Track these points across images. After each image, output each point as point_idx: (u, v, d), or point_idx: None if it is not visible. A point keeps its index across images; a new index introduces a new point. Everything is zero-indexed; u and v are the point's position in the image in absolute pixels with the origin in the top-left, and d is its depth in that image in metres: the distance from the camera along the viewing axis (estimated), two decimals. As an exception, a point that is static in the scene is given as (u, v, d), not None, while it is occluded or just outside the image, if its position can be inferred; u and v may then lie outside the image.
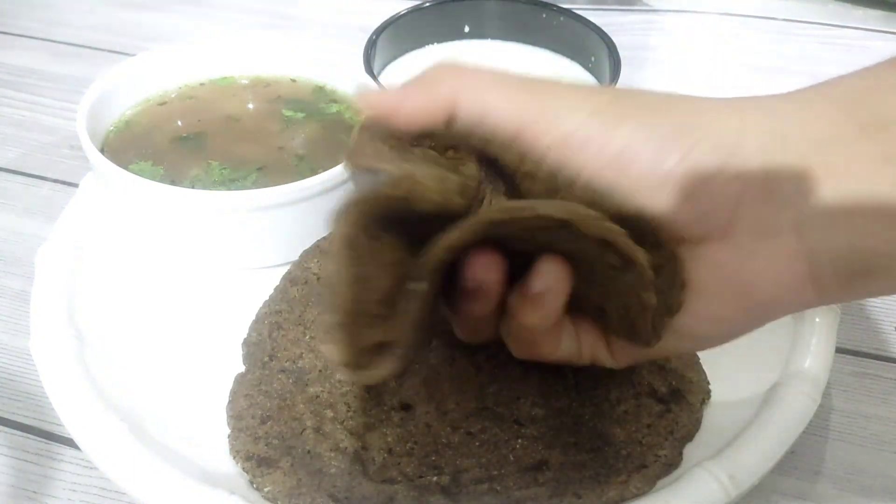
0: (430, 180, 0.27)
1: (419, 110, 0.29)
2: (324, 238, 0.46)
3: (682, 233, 0.28)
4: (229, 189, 0.47)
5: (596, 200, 0.27)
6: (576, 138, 0.27)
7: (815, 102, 0.27)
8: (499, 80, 0.30)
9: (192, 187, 0.47)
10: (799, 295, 0.28)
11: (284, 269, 0.46)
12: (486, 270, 0.29)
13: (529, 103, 0.28)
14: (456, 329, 0.34)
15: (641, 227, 0.27)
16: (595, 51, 0.59)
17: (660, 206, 0.27)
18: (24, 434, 0.41)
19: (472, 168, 0.29)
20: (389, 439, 0.37)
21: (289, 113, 0.53)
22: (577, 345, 0.32)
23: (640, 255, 0.27)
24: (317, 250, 0.46)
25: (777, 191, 0.26)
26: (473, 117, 0.29)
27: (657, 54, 0.73)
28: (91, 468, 0.39)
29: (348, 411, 0.39)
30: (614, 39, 0.58)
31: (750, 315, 0.29)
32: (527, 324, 0.30)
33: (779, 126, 0.27)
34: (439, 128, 0.29)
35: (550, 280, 0.28)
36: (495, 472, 0.36)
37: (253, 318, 0.43)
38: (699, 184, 0.26)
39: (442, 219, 0.28)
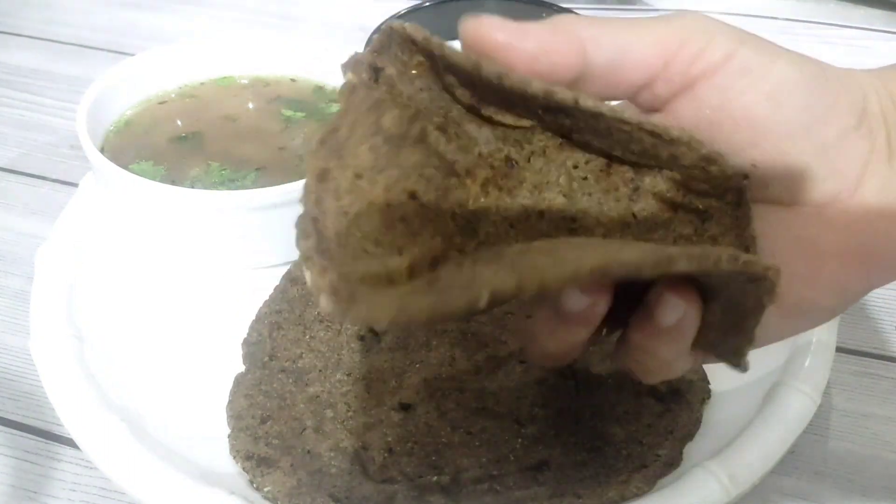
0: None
1: (547, 47, 0.25)
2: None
3: (813, 190, 0.26)
4: (229, 189, 0.47)
5: (657, 132, 0.24)
6: (735, 63, 0.25)
7: None
8: (629, 22, 0.26)
9: (192, 187, 0.47)
10: None
11: (284, 269, 0.46)
12: (596, 299, 0.25)
13: (671, 35, 0.25)
14: (531, 351, 0.28)
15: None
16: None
17: (799, 156, 0.25)
18: (24, 434, 0.41)
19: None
20: (389, 439, 0.37)
21: (288, 113, 0.53)
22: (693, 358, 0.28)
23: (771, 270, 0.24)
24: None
25: None
26: (610, 59, 0.25)
27: (657, 54, 0.73)
28: (91, 468, 0.39)
29: (348, 411, 0.39)
30: (614, 39, 0.58)
31: (869, 281, 0.27)
32: (661, 358, 0.26)
33: (890, 89, 0.26)
34: (560, 76, 0.25)
35: (681, 311, 0.25)
36: (495, 472, 0.36)
37: (253, 318, 0.43)
38: (839, 138, 0.25)
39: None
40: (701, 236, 0.26)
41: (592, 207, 0.27)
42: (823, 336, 0.40)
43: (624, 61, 0.25)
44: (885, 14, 0.78)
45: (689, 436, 0.37)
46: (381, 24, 0.59)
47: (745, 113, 0.25)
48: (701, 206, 0.26)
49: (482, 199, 0.27)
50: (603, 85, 0.25)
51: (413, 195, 0.25)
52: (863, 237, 0.26)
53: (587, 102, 0.24)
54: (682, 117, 0.26)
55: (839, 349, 0.41)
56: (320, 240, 0.23)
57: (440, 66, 0.26)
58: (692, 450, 0.37)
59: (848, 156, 0.26)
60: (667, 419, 0.38)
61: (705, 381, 0.40)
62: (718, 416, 0.39)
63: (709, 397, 0.39)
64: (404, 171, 0.25)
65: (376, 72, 0.26)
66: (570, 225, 0.27)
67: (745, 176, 0.25)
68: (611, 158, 0.27)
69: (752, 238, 0.26)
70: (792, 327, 0.29)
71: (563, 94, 0.24)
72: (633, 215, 0.26)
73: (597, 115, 0.24)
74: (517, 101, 0.25)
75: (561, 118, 0.25)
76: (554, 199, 0.27)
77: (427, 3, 0.62)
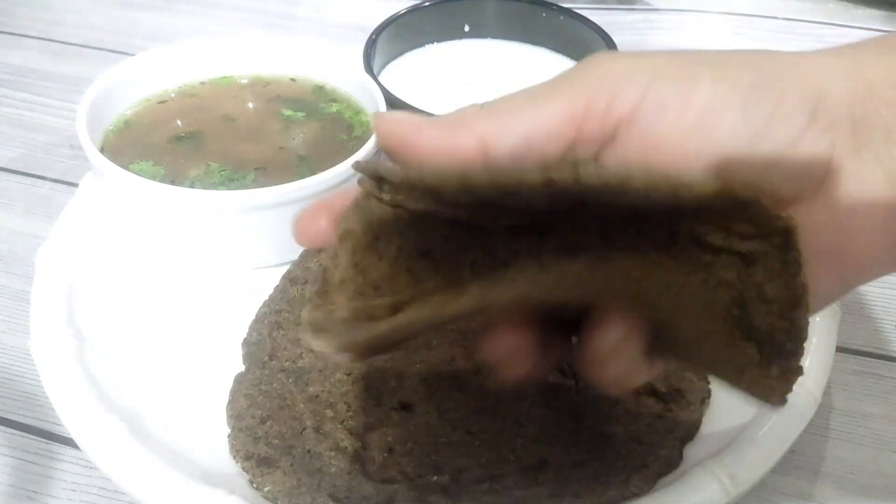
0: None
1: (444, 146, 0.24)
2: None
3: (772, 196, 0.24)
4: (229, 189, 0.47)
5: (668, 188, 0.22)
6: (647, 107, 0.24)
7: (894, 50, 0.25)
8: (527, 98, 0.25)
9: (192, 187, 0.47)
10: (892, 258, 0.25)
11: (284, 269, 0.46)
12: (511, 350, 0.24)
13: (575, 98, 0.24)
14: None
15: (738, 206, 0.23)
16: (595, 50, 0.59)
17: (752, 171, 0.24)
18: (24, 434, 0.41)
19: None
20: (389, 439, 0.37)
21: (288, 112, 0.53)
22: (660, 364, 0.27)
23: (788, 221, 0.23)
24: (317, 250, 0.46)
25: (867, 142, 0.24)
26: (516, 144, 0.24)
27: (657, 53, 0.73)
28: (91, 468, 0.39)
29: (348, 411, 0.39)
30: (615, 38, 0.58)
31: (841, 282, 0.26)
32: (611, 372, 0.25)
33: (862, 75, 0.25)
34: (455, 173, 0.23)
35: (619, 334, 0.23)
36: (495, 472, 0.36)
37: (253, 318, 0.43)
38: (793, 140, 0.24)
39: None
40: (745, 282, 0.24)
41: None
42: (823, 336, 0.40)
43: (532, 143, 0.24)
44: (885, 14, 0.78)
45: (689, 436, 0.37)
46: (381, 24, 0.59)
47: (675, 149, 0.24)
48: (744, 250, 0.24)
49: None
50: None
51: (426, 253, 0.26)
52: (830, 236, 0.25)
53: (589, 174, 0.22)
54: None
55: (839, 349, 0.41)
56: (323, 284, 0.25)
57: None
58: (692, 450, 0.37)
59: (805, 156, 0.24)
60: (667, 419, 0.38)
61: (705, 380, 0.40)
62: (718, 416, 0.38)
63: (709, 397, 0.39)
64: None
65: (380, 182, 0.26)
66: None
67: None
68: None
69: (802, 286, 0.24)
70: None
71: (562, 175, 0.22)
72: (671, 257, 0.24)
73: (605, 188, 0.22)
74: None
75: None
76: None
77: (427, 3, 0.62)
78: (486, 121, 0.25)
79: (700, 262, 0.24)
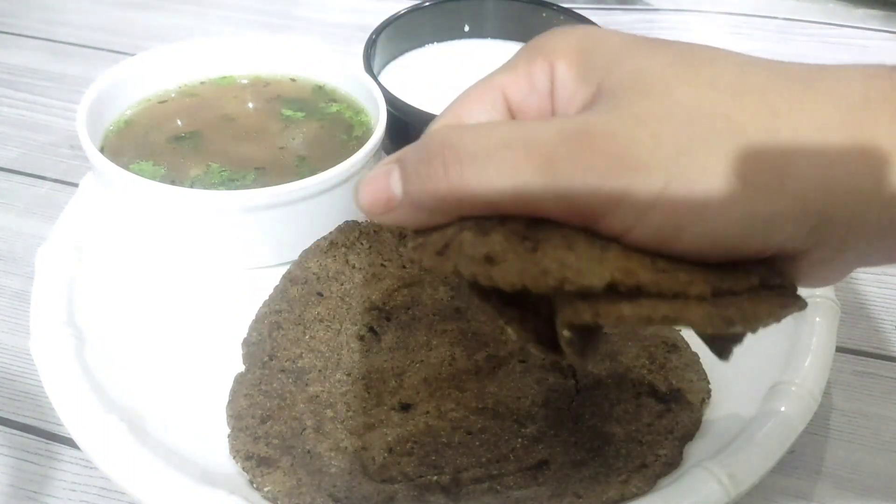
0: None
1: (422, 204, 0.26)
2: (324, 238, 0.46)
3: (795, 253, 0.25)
4: (229, 189, 0.47)
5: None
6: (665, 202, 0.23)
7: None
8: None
9: (192, 187, 0.47)
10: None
11: (284, 269, 0.46)
12: None
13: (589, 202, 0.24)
14: None
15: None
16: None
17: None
18: (24, 434, 0.41)
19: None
20: (389, 439, 0.37)
21: (288, 112, 0.53)
22: None
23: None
24: (317, 250, 0.46)
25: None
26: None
27: (657, 53, 0.73)
28: (91, 468, 0.39)
29: (348, 411, 0.39)
30: (614, 39, 0.58)
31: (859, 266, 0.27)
32: None
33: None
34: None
35: None
36: (495, 472, 0.36)
37: (253, 318, 0.43)
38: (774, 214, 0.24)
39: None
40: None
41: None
42: (823, 336, 0.40)
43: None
44: (885, 14, 0.78)
45: (689, 435, 0.37)
46: (381, 24, 0.59)
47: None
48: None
49: None
50: None
51: None
52: (852, 264, 0.26)
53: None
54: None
55: (839, 349, 0.41)
56: None
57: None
58: (692, 450, 0.37)
59: (830, 225, 0.24)
60: (667, 419, 0.38)
61: (705, 380, 0.40)
62: (718, 416, 0.38)
63: (709, 397, 0.39)
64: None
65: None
66: None
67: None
68: None
69: None
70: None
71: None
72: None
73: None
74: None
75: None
76: None
77: (427, 3, 0.62)
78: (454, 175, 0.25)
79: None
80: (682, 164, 0.23)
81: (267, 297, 0.44)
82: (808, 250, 0.25)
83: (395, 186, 0.26)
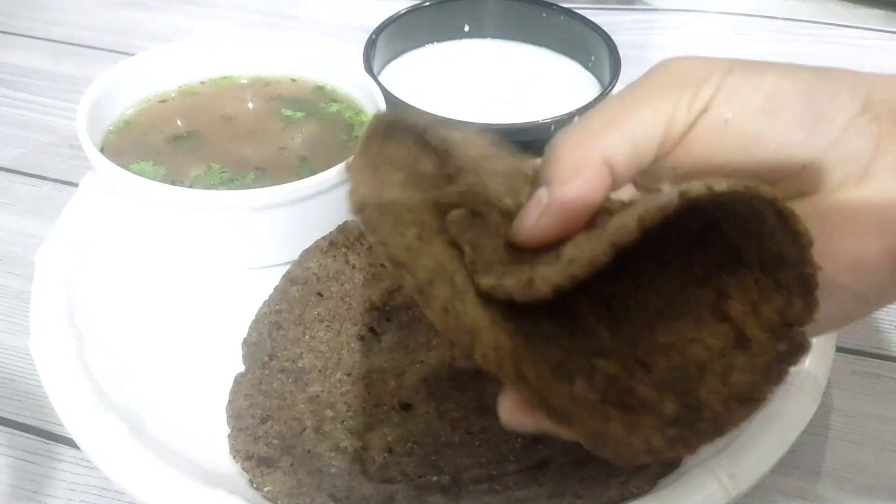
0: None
1: (575, 171, 0.27)
2: (324, 238, 0.46)
3: (824, 179, 0.27)
4: (229, 189, 0.47)
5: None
6: (721, 95, 0.27)
7: None
8: (623, 109, 0.28)
9: (192, 187, 0.47)
10: None
11: (284, 269, 0.46)
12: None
13: (664, 97, 0.27)
14: None
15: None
16: (595, 50, 0.59)
17: (808, 152, 0.27)
18: (24, 434, 0.41)
19: None
20: (389, 439, 0.37)
21: (288, 112, 0.53)
22: None
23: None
24: (317, 250, 0.46)
25: None
26: (631, 152, 0.27)
27: (657, 53, 0.72)
28: (91, 468, 0.39)
29: (348, 411, 0.39)
30: (615, 38, 0.58)
31: (892, 256, 0.27)
32: None
33: None
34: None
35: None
36: (495, 472, 0.36)
37: (253, 318, 0.43)
38: (846, 126, 0.27)
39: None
40: (719, 357, 0.27)
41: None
42: (823, 336, 0.40)
43: (638, 149, 0.27)
44: (885, 14, 0.78)
45: (689, 436, 0.37)
46: (381, 24, 0.59)
47: (741, 129, 0.27)
48: (748, 333, 0.26)
49: None
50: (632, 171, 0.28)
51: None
52: (876, 211, 0.27)
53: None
54: (687, 159, 0.27)
55: (839, 349, 0.41)
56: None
57: None
58: (692, 450, 0.37)
59: (856, 142, 0.27)
60: (667, 419, 0.38)
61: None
62: (718, 415, 0.38)
63: (709, 397, 0.39)
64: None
65: None
66: None
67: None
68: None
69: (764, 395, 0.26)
70: (846, 307, 0.29)
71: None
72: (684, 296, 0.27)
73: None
74: None
75: None
76: None
77: (427, 3, 0.62)
78: (604, 138, 0.27)
79: (700, 313, 0.26)
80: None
81: (267, 297, 0.44)
82: None
83: (539, 191, 0.27)
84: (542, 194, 0.27)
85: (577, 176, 0.27)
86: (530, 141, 0.52)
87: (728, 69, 0.27)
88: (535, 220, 0.27)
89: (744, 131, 0.27)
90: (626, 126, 0.27)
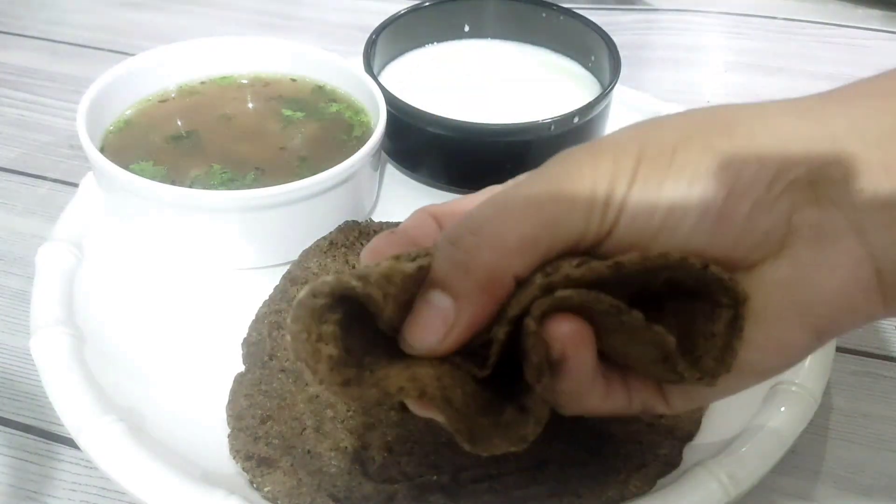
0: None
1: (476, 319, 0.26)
2: (324, 238, 0.46)
3: (739, 263, 0.26)
4: (229, 189, 0.47)
5: (647, 270, 0.26)
6: (623, 219, 0.26)
7: (863, 99, 0.26)
8: (531, 217, 0.26)
9: (192, 187, 0.47)
10: (866, 305, 0.26)
11: (284, 269, 0.46)
12: (575, 334, 0.26)
13: (572, 220, 0.26)
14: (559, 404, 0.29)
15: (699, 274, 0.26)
16: (595, 50, 0.59)
17: (715, 252, 0.26)
18: (24, 434, 0.41)
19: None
20: (389, 439, 0.37)
21: (288, 112, 0.53)
22: (628, 397, 0.29)
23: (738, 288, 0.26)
24: (317, 250, 0.46)
25: (829, 192, 0.25)
26: (530, 268, 0.26)
27: (657, 53, 0.73)
28: (91, 468, 0.39)
29: (348, 411, 0.39)
30: (614, 38, 0.58)
31: (816, 334, 0.27)
32: (559, 391, 0.27)
33: (825, 129, 0.25)
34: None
35: (568, 346, 0.26)
36: (495, 472, 0.36)
37: (253, 318, 0.43)
38: (751, 213, 0.25)
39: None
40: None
41: None
42: (823, 336, 0.40)
43: (545, 258, 0.26)
44: (885, 14, 0.78)
45: (689, 436, 0.37)
46: (381, 24, 0.59)
47: (650, 244, 0.26)
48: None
49: None
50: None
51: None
52: (798, 290, 0.26)
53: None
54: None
55: (839, 349, 0.41)
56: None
57: None
58: (692, 449, 0.37)
59: (764, 223, 0.25)
60: (667, 419, 0.38)
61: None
62: (718, 416, 0.38)
63: (709, 397, 0.39)
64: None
65: None
66: None
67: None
68: None
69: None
70: (743, 385, 0.29)
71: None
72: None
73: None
74: None
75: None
76: None
77: (427, 3, 0.62)
78: (520, 258, 0.26)
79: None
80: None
81: (267, 297, 0.44)
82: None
83: (441, 300, 0.26)
84: (448, 308, 0.26)
85: (491, 294, 0.26)
86: (530, 141, 0.52)
87: (633, 172, 0.26)
88: (442, 336, 0.26)
89: (650, 249, 0.26)
90: (540, 246, 0.26)
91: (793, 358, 0.28)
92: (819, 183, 0.25)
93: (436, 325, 0.26)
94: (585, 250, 0.26)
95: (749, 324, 0.26)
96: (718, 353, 0.27)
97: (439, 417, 0.26)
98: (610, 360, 0.28)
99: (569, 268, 0.25)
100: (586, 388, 0.27)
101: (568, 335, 0.26)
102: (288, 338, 0.25)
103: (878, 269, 0.25)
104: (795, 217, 0.25)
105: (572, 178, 0.26)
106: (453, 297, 0.25)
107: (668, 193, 0.25)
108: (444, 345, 0.26)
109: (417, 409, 0.27)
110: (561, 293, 0.25)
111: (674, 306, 0.27)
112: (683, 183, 0.25)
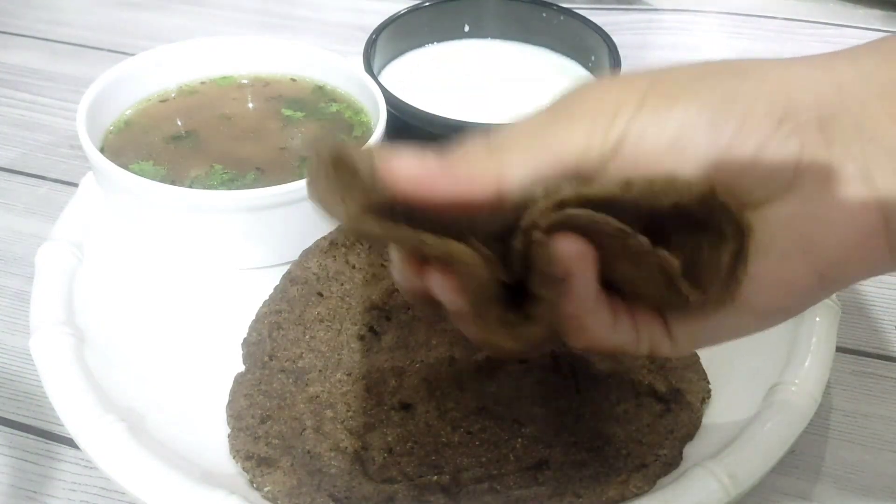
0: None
1: (459, 189, 0.26)
2: (324, 238, 0.46)
3: (744, 199, 0.26)
4: (229, 189, 0.47)
5: (655, 193, 0.25)
6: (630, 138, 0.26)
7: (870, 54, 0.27)
8: (531, 133, 0.27)
9: (192, 187, 0.47)
10: (871, 252, 0.26)
11: (284, 269, 0.46)
12: (578, 252, 0.26)
13: (573, 135, 0.26)
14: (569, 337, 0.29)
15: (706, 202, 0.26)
16: (595, 50, 0.59)
17: (722, 179, 0.26)
18: (24, 434, 0.41)
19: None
20: (389, 439, 0.37)
21: (288, 112, 0.53)
22: (635, 332, 0.29)
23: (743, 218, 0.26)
24: (317, 250, 0.46)
25: (838, 137, 0.25)
26: (528, 175, 0.26)
27: (657, 53, 0.73)
28: (91, 468, 0.39)
29: (348, 411, 0.39)
30: (614, 38, 0.58)
31: (819, 277, 0.27)
32: (564, 315, 0.27)
33: (833, 77, 0.26)
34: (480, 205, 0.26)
35: (570, 263, 0.26)
36: (495, 472, 0.36)
37: (253, 318, 0.43)
38: (759, 148, 0.25)
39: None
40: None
41: None
42: (823, 336, 0.40)
43: (543, 171, 0.26)
44: (885, 14, 0.78)
45: (689, 436, 0.37)
46: (381, 24, 0.59)
47: (657, 166, 0.26)
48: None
49: None
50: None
51: None
52: (803, 228, 0.26)
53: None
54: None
55: (839, 349, 0.41)
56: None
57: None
58: (692, 450, 0.37)
59: (772, 161, 0.26)
60: (667, 419, 0.38)
61: (705, 380, 0.40)
62: (718, 416, 0.39)
63: (709, 397, 0.39)
64: None
65: None
66: None
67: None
68: None
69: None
70: (746, 326, 0.29)
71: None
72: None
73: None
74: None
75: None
76: None
77: (427, 3, 0.62)
78: (497, 159, 0.26)
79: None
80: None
81: (267, 297, 0.44)
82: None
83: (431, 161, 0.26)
84: (433, 162, 0.26)
85: (469, 184, 0.26)
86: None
87: (641, 100, 0.26)
88: (424, 171, 0.26)
89: (654, 171, 0.26)
90: (528, 154, 0.26)
91: (793, 300, 0.28)
92: (828, 128, 0.25)
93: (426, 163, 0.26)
94: (590, 175, 0.26)
95: (753, 259, 0.26)
96: (723, 283, 0.27)
97: (459, 300, 0.27)
98: (618, 293, 0.28)
99: (579, 186, 0.25)
100: (590, 312, 0.27)
101: (572, 253, 0.26)
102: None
103: (885, 216, 0.25)
104: (804, 159, 0.26)
105: (577, 100, 0.27)
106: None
107: (677, 116, 0.26)
108: (422, 181, 0.26)
109: (440, 281, 0.27)
110: (571, 210, 0.25)
111: (680, 239, 0.27)
112: (693, 110, 0.26)
